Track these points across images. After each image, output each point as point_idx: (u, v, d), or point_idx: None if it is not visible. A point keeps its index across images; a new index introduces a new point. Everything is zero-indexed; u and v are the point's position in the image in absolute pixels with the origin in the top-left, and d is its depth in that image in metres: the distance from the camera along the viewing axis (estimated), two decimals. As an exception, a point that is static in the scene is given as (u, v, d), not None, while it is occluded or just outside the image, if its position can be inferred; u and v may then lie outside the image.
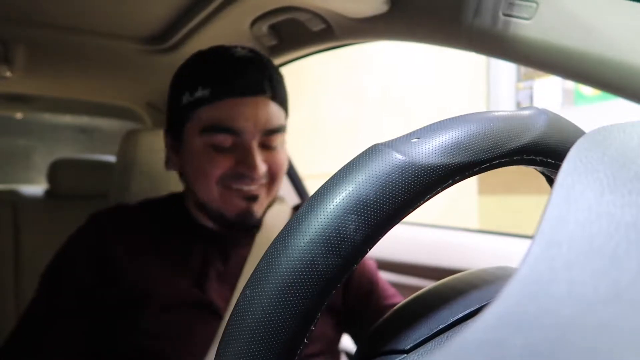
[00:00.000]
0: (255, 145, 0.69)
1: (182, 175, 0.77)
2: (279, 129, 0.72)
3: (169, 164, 0.77)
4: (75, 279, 0.69)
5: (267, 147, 0.71)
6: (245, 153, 0.69)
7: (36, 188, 1.48)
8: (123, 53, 1.11)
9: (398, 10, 0.74)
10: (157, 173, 1.01)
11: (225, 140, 0.69)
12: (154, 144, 1.02)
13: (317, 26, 0.88)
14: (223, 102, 0.68)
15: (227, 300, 0.72)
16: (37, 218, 1.38)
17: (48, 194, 1.44)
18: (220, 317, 0.70)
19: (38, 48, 1.07)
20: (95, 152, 3.40)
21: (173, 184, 1.02)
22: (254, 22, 0.91)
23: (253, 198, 0.71)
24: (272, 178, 0.72)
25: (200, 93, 0.69)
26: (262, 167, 0.69)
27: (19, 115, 1.66)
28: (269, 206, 0.77)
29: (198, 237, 0.76)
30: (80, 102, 1.60)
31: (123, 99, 1.54)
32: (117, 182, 1.00)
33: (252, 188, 0.70)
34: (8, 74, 1.16)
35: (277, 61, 1.06)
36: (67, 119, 3.38)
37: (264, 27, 0.92)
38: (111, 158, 1.45)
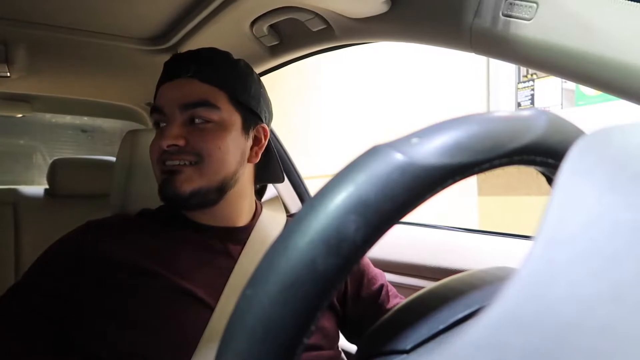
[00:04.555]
0: (175, 120, 0.74)
1: None
2: (200, 103, 0.73)
3: None
4: (53, 276, 0.70)
5: (190, 122, 0.74)
6: (166, 128, 0.74)
7: (36, 188, 1.49)
8: (123, 53, 1.11)
9: (398, 11, 0.74)
10: (157, 173, 1.01)
11: (156, 118, 0.76)
12: (154, 144, 1.02)
13: (317, 26, 0.88)
14: (161, 88, 0.77)
15: (217, 292, 0.71)
16: (37, 218, 1.38)
17: (48, 193, 1.44)
18: (209, 309, 0.70)
19: (38, 48, 1.07)
20: (95, 152, 3.40)
21: (173, 184, 1.01)
22: (254, 22, 0.92)
23: (171, 172, 0.73)
24: (197, 154, 0.73)
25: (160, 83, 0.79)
26: (168, 141, 0.71)
27: (19, 115, 1.65)
28: (215, 189, 0.76)
29: (187, 231, 0.78)
30: (80, 102, 1.60)
31: (123, 99, 1.54)
32: (117, 182, 1.00)
33: (173, 163, 0.73)
34: (8, 74, 1.16)
35: (277, 61, 1.06)
36: (67, 119, 3.38)
37: (264, 27, 0.92)
38: (111, 158, 1.45)
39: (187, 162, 0.73)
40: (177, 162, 0.73)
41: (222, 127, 0.75)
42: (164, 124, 0.76)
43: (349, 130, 2.77)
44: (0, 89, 1.37)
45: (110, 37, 1.03)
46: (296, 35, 0.95)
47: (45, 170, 1.47)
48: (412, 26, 0.74)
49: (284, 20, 0.89)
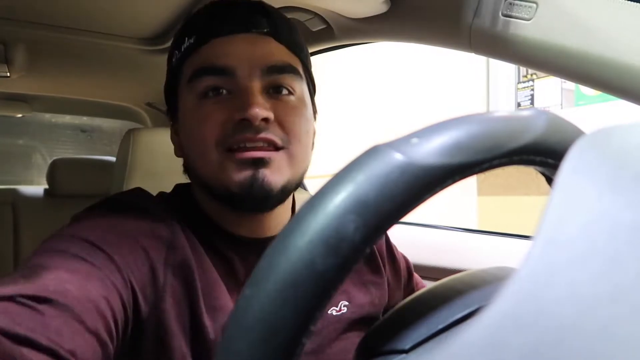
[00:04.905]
0: (255, 86, 0.55)
1: (185, 162, 0.63)
2: (286, 68, 0.58)
3: (177, 152, 0.65)
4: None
5: (274, 91, 0.57)
6: (241, 96, 0.55)
7: (36, 188, 1.49)
8: (123, 53, 1.11)
9: (397, 11, 0.74)
10: (157, 173, 1.01)
11: (215, 82, 0.56)
12: (154, 144, 1.02)
13: (316, 26, 0.88)
14: (209, 45, 0.57)
15: None
16: (37, 217, 1.38)
17: (47, 193, 1.45)
18: None
19: (38, 48, 1.07)
20: (94, 152, 3.40)
21: (173, 184, 1.01)
22: (254, 22, 0.92)
23: (259, 162, 0.54)
24: (286, 134, 0.56)
25: (186, 44, 0.59)
26: (263, 112, 0.53)
27: (18, 115, 1.66)
28: (295, 186, 0.60)
29: (219, 247, 0.59)
30: (80, 102, 1.60)
31: (123, 99, 1.54)
32: (117, 182, 1.00)
33: (256, 145, 0.54)
34: (8, 74, 1.17)
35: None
36: (67, 118, 3.38)
37: (263, 27, 0.93)
38: (111, 158, 1.45)
39: (274, 146, 0.55)
40: (263, 145, 0.55)
41: (303, 104, 0.60)
42: (226, 91, 0.56)
43: (348, 130, 2.78)
44: (0, 89, 1.37)
45: (110, 37, 1.03)
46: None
47: (44, 170, 1.47)
48: (412, 26, 0.74)
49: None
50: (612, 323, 0.14)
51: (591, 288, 0.15)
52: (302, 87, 0.60)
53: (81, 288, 0.42)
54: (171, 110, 0.65)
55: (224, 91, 0.56)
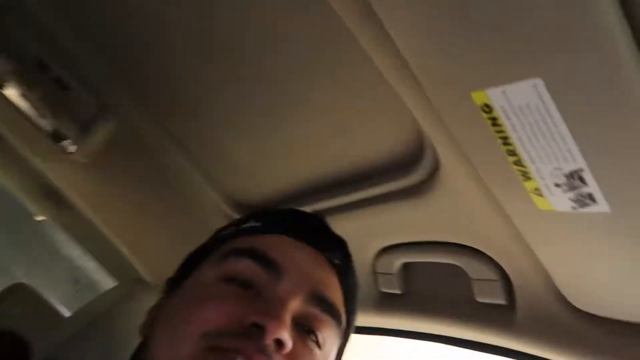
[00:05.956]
0: (294, 302, 0.44)
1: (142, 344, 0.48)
2: (332, 310, 0.47)
3: (142, 328, 0.50)
4: None
5: (302, 329, 0.45)
6: (271, 300, 0.44)
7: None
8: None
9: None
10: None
11: (252, 270, 0.45)
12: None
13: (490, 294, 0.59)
14: (272, 236, 0.49)
15: None
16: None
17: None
18: None
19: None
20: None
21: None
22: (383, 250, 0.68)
23: None
24: None
25: (250, 224, 0.52)
26: (285, 334, 0.41)
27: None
28: None
29: None
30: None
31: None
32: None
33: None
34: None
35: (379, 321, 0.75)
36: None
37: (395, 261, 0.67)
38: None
39: None
40: None
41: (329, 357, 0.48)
42: (256, 291, 0.45)
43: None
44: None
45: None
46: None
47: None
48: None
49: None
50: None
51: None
52: (332, 343, 0.48)
53: None
54: (181, 275, 0.52)
55: (254, 291, 0.45)
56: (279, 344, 0.40)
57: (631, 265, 0.40)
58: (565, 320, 0.52)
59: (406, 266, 0.67)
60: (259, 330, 0.40)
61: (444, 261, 0.61)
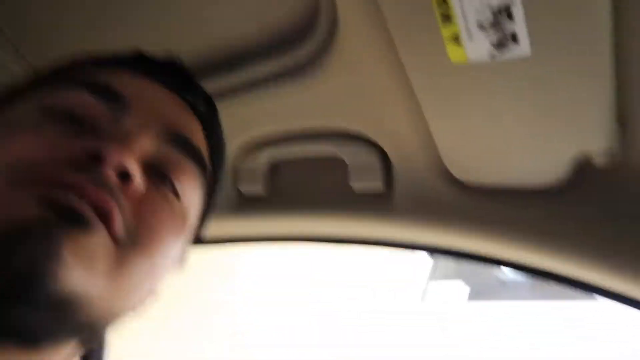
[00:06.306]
0: (146, 136, 0.35)
1: None
2: (194, 150, 0.39)
3: None
4: None
5: (156, 175, 0.36)
6: (113, 135, 0.34)
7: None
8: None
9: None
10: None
11: (86, 104, 0.35)
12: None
13: (369, 179, 0.58)
14: (117, 70, 0.40)
15: None
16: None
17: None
18: None
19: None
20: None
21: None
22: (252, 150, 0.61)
23: (71, 219, 0.29)
24: (138, 227, 0.33)
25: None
26: (133, 164, 0.32)
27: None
28: (115, 314, 0.35)
29: None
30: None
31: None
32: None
33: (77, 201, 0.30)
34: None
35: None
36: None
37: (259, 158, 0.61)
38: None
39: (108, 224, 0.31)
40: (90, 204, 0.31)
41: (183, 214, 0.38)
42: (91, 126, 0.35)
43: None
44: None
45: None
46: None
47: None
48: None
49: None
50: None
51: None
52: (195, 196, 0.40)
53: None
54: None
55: (89, 125, 0.34)
56: (124, 177, 0.32)
57: (536, 121, 0.42)
58: (445, 196, 0.53)
59: (273, 165, 0.62)
60: (95, 162, 0.31)
61: (320, 149, 0.58)
